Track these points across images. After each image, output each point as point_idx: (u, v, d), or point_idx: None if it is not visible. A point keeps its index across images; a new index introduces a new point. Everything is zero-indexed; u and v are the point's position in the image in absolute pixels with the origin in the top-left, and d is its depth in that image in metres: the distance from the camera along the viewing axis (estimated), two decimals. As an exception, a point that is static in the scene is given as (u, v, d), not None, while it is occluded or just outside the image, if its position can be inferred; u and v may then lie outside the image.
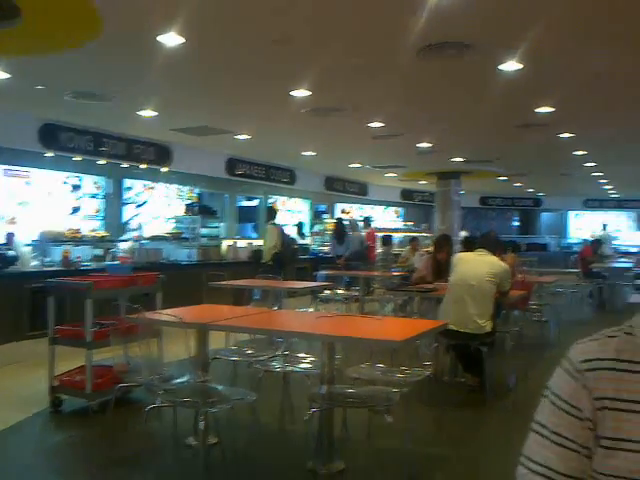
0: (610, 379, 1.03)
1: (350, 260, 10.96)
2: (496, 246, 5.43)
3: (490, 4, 4.30)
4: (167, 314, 3.61)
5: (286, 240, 9.73)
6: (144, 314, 3.60)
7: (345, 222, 12.42)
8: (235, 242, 11.43)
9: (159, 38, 4.85)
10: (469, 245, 6.35)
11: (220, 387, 3.63)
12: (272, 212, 10.19)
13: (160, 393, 3.41)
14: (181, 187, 11.45)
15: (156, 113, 7.93)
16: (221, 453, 3.70)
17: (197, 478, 3.28)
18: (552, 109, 7.45)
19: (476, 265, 5.07)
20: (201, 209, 10.84)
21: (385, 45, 5.16)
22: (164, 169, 10.56)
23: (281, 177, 13.84)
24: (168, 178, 10.93)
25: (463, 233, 13.40)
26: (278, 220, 10.21)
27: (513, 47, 5.10)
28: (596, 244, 13.25)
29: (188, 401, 3.31)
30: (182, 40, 4.90)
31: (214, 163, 11.83)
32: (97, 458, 3.63)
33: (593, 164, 13.09)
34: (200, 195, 11.94)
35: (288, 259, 9.68)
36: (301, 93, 6.68)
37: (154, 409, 3.74)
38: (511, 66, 5.59)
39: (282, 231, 9.67)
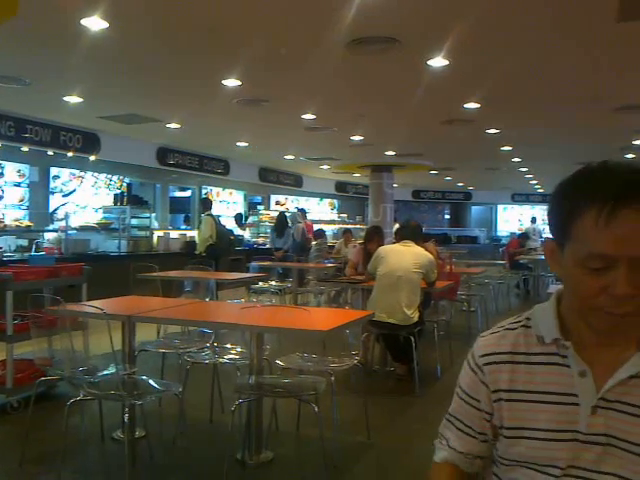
0: (506, 371, 1.10)
1: (289, 253, 10.96)
2: (418, 235, 5.52)
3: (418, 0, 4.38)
4: (90, 306, 3.51)
5: (221, 231, 9.58)
6: (66, 306, 3.49)
7: (288, 215, 12.41)
8: (167, 233, 11.23)
9: (83, 22, 4.69)
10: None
11: (147, 379, 3.57)
12: (207, 203, 10.01)
13: (84, 386, 3.33)
14: (110, 176, 11.15)
15: (82, 99, 7.68)
16: (148, 446, 3.65)
17: (122, 472, 3.22)
18: (478, 105, 7.67)
19: (402, 256, 5.15)
20: (131, 199, 10.58)
21: (314, 37, 5.17)
22: (92, 157, 10.25)
23: (215, 167, 13.69)
24: (97, 167, 10.63)
25: (397, 226, 13.62)
26: (214, 211, 10.07)
27: (440, 43, 5.23)
28: (523, 237, 13.77)
29: (113, 394, 3.24)
30: (105, 25, 4.76)
31: (145, 152, 11.58)
32: (15, 456, 3.50)
33: (519, 159, 13.57)
34: (130, 185, 11.65)
35: (223, 251, 9.55)
36: (232, 83, 6.62)
37: (79, 404, 3.63)
38: (438, 62, 5.72)
39: (217, 222, 9.52)
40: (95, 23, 4.71)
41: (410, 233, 5.44)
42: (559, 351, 1.06)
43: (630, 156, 12.63)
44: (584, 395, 1.03)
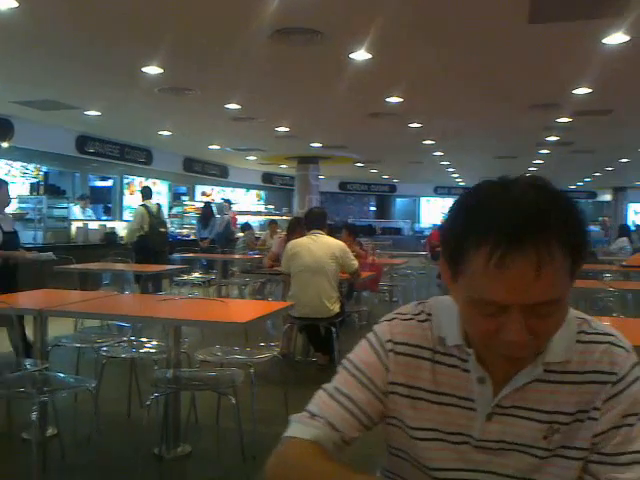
0: (411, 366, 1.07)
1: (214, 243, 10.81)
2: (323, 222, 5.42)
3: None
4: (-3, 300, 3.36)
5: (153, 223, 8.96)
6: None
7: (213, 205, 12.24)
8: (86, 224, 10.86)
9: (-11, 0, 4.46)
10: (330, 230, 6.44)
11: (59, 375, 3.46)
12: (145, 192, 9.42)
13: (-11, 385, 3.19)
14: (26, 165, 10.66)
15: (-8, 83, 7.31)
16: (60, 445, 3.54)
17: (31, 474, 3.10)
18: (401, 99, 7.81)
19: (314, 249, 5.13)
20: (48, 188, 10.17)
21: (237, 26, 5.11)
22: (5, 144, 9.76)
23: (137, 157, 13.33)
24: (11, 154, 10.13)
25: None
26: (154, 200, 9.58)
27: (362, 37, 5.28)
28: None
29: (20, 392, 3.12)
30: (15, 4, 4.53)
31: (63, 140, 11.13)
32: None
33: (441, 153, 13.93)
34: (47, 174, 11.19)
35: (156, 244, 8.88)
36: (153, 70, 6.46)
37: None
38: (361, 55, 5.78)
39: (151, 213, 8.97)
40: (2, 1, 4.47)
41: (315, 221, 5.36)
42: (460, 355, 1.05)
43: (545, 152, 13.24)
44: (481, 401, 1.03)
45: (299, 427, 1.07)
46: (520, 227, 0.85)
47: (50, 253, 5.78)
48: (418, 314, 1.11)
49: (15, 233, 5.22)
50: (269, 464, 1.04)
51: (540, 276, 0.84)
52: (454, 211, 0.96)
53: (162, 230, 9.00)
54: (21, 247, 5.46)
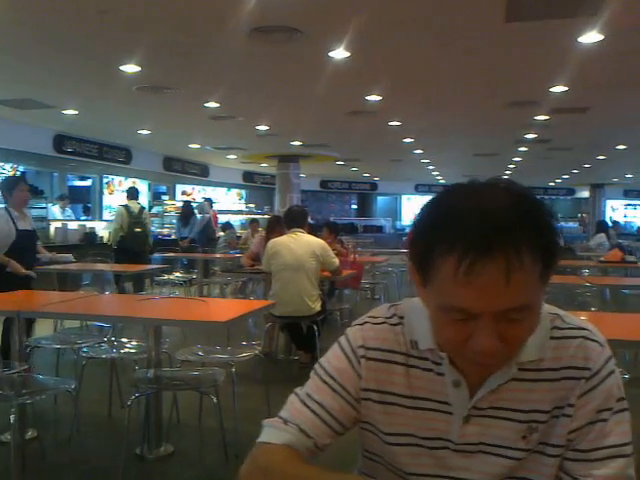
0: (383, 371, 1.06)
1: (195, 242, 10.75)
2: (303, 220, 5.43)
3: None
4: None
5: (131, 223, 8.77)
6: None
7: (194, 205, 12.17)
8: (65, 224, 10.75)
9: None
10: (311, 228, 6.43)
11: (39, 377, 3.43)
12: (130, 192, 9.29)
13: (-33, 388, 3.14)
14: (2, 164, 10.52)
15: (-33, 82, 7.20)
16: (40, 447, 3.51)
17: (10, 476, 3.07)
18: (380, 97, 7.84)
19: (294, 247, 5.13)
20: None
21: (214, 24, 5.09)
22: (-20, 144, 9.64)
23: (116, 156, 13.20)
24: (-14, 154, 10.00)
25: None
26: (139, 200, 9.36)
27: (341, 35, 5.29)
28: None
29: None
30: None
31: (40, 139, 11.00)
32: None
33: (421, 151, 13.99)
34: (25, 173, 11.04)
35: (132, 244, 8.64)
36: (130, 68, 6.40)
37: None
38: (340, 54, 5.79)
39: (131, 213, 8.82)
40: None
41: (294, 219, 5.35)
42: (433, 358, 1.03)
43: (523, 149, 13.36)
44: (457, 404, 1.02)
45: (273, 432, 1.06)
46: (488, 234, 0.83)
47: (70, 255, 5.75)
48: (390, 317, 1.09)
49: (33, 232, 5.22)
50: (243, 470, 1.03)
51: (510, 282, 0.83)
52: (422, 217, 0.94)
53: (137, 230, 8.75)
54: (42, 246, 5.46)
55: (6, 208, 4.97)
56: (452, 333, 0.90)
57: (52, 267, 6.03)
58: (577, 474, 0.99)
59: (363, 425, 1.09)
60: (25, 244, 4.98)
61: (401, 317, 1.08)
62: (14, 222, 4.89)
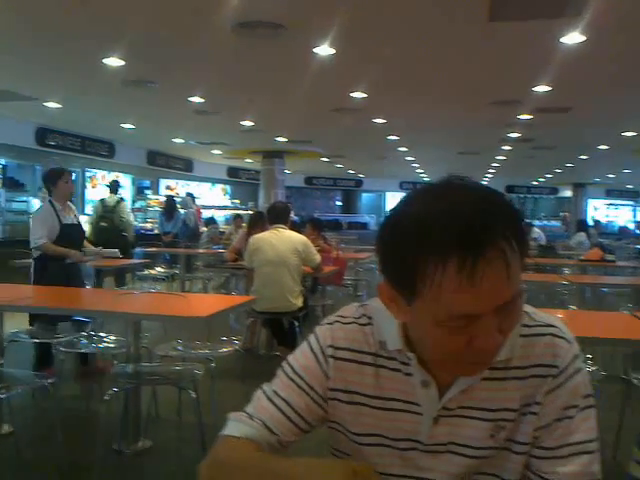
0: (352, 372, 1.05)
1: (178, 238, 10.69)
2: (286, 216, 5.41)
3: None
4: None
5: (99, 216, 8.64)
6: None
7: (177, 199, 12.10)
8: (47, 218, 10.63)
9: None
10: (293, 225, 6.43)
11: (15, 371, 3.40)
12: (111, 186, 9.17)
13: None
14: (-17, 157, 10.42)
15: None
16: (15, 442, 3.48)
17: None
18: (365, 95, 7.85)
19: (276, 243, 5.11)
20: (6, 181, 9.93)
21: (198, 18, 5.07)
22: (-40, 136, 9.52)
23: (99, 150, 13.11)
24: (-34, 146, 9.88)
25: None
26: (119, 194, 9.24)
27: (326, 31, 5.29)
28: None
29: (-27, 389, 3.05)
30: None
31: (21, 132, 10.89)
32: None
33: (405, 149, 14.04)
34: (6, 167, 10.93)
35: (98, 238, 8.04)
36: (114, 62, 6.35)
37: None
38: (325, 50, 5.79)
39: (104, 206, 8.66)
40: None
41: (277, 216, 5.32)
42: (401, 359, 1.02)
43: (507, 148, 13.45)
44: (426, 405, 1.01)
45: (237, 426, 1.05)
46: (478, 234, 0.82)
47: (116, 251, 5.64)
48: (359, 317, 1.07)
49: (78, 225, 4.98)
50: (204, 463, 1.02)
51: (510, 275, 0.84)
52: (394, 233, 0.89)
53: (103, 225, 8.50)
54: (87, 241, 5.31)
55: (50, 201, 4.75)
56: (454, 343, 0.88)
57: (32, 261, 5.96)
58: (542, 471, 1.00)
59: (331, 425, 1.09)
60: (70, 238, 4.76)
61: (370, 317, 1.07)
62: (58, 216, 4.69)
